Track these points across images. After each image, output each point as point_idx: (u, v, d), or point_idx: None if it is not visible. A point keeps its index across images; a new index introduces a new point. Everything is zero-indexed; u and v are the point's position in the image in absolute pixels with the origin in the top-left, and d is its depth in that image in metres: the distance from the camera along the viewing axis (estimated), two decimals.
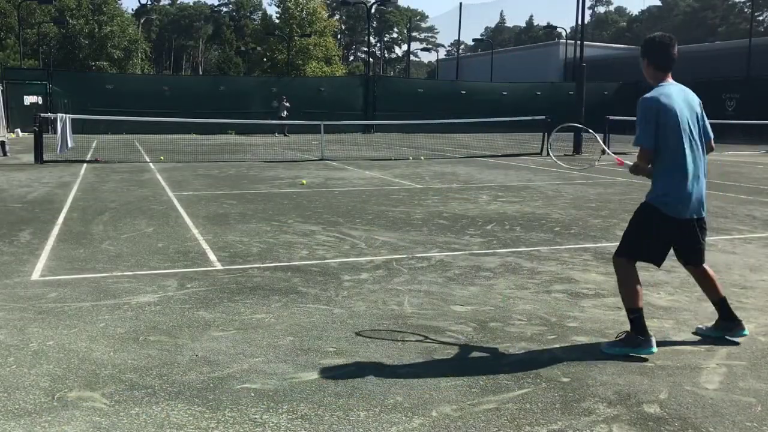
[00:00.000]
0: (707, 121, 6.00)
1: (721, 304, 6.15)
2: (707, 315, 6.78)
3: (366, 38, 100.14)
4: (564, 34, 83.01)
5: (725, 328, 6.13)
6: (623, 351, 5.73)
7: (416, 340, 6.07)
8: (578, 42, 35.42)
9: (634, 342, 5.73)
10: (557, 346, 5.97)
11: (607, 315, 6.89)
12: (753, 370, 5.49)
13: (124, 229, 11.23)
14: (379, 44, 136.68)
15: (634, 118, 5.86)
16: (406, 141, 40.84)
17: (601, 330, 6.40)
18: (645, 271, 8.02)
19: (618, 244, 6.02)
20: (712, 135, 6.00)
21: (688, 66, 62.06)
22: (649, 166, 5.79)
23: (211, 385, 5.05)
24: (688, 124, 5.76)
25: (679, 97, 5.81)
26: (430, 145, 37.69)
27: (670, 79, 5.92)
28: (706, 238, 6.02)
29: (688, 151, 5.70)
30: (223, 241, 10.34)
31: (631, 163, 5.91)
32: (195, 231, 11.16)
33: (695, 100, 5.95)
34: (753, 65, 53.73)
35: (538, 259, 9.39)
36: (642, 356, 5.67)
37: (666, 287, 7.94)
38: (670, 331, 6.39)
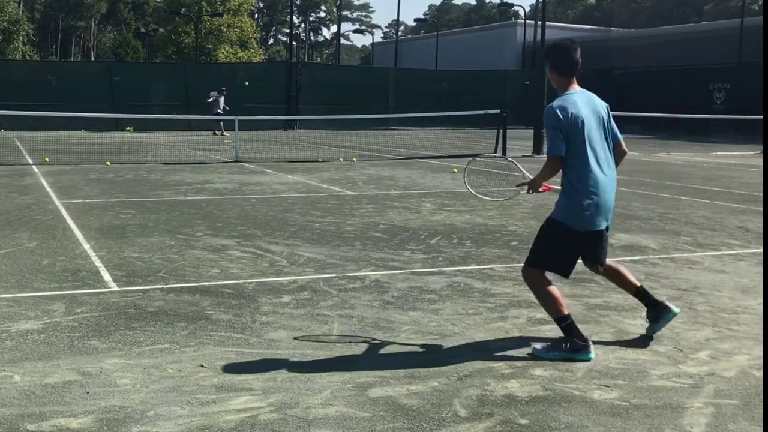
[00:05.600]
0: (614, 124, 6.81)
1: (641, 294, 6.98)
2: (691, 344, 6.87)
3: (288, 18, 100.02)
4: (522, 13, 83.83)
5: (654, 317, 6.92)
6: (562, 355, 6.35)
7: (348, 375, 6.07)
8: (539, 23, 35.79)
9: (575, 346, 6.40)
10: (514, 381, 5.98)
11: None
12: (746, 410, 5.42)
13: (2, 244, 11.06)
14: (303, 25, 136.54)
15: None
16: (336, 139, 40.82)
17: (566, 363, 6.39)
18: (617, 293, 8.10)
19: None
20: (621, 137, 6.83)
21: (669, 51, 62.57)
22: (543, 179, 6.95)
23: (104, 428, 4.99)
24: (596, 132, 6.54)
25: (583, 104, 6.56)
26: (364, 144, 37.74)
27: (575, 86, 6.69)
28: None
29: (593, 163, 6.49)
30: (120, 258, 10.25)
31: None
32: (86, 246, 11.05)
33: (601, 105, 6.74)
34: (745, 50, 52.52)
35: (492, 279, 9.44)
36: (582, 360, 6.30)
37: (642, 312, 7.89)
38: (647, 364, 6.37)
